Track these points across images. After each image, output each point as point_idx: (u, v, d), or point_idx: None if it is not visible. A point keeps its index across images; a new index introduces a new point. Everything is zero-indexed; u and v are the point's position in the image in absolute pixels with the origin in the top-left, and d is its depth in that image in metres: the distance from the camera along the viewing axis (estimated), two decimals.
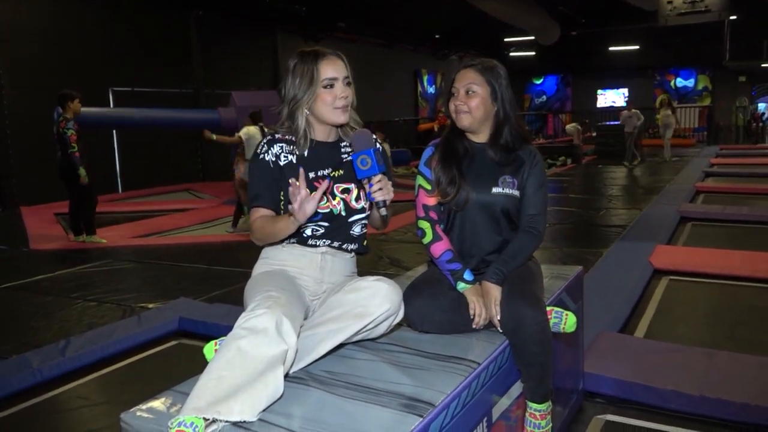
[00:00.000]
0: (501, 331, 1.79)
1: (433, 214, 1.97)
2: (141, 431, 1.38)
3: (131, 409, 1.44)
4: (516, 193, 1.94)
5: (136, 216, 8.51)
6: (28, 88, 9.56)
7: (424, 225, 1.97)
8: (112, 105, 10.91)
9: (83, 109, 6.49)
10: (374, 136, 1.76)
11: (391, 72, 19.03)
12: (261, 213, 1.74)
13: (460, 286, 1.90)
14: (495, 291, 1.82)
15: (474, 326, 1.83)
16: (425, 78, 21.53)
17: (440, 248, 1.93)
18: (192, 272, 5.25)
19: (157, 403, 1.46)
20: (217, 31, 12.80)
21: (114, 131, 11.07)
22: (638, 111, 13.24)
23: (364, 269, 2.07)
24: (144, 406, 1.45)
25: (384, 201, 1.67)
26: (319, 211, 1.73)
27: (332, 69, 1.73)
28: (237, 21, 13.40)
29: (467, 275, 1.91)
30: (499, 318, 1.78)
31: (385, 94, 17.93)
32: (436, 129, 16.11)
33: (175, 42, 12.06)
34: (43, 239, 6.79)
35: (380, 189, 1.66)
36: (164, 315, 3.80)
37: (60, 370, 3.11)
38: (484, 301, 1.83)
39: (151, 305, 4.18)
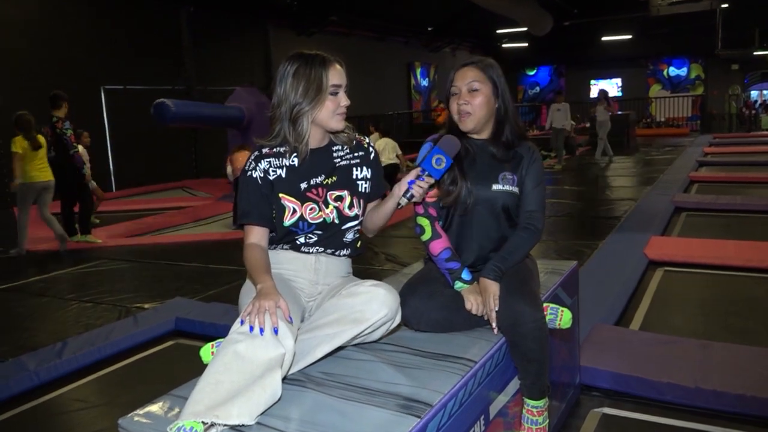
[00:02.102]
0: (497, 331, 1.78)
1: (432, 211, 1.96)
2: None
3: (129, 414, 1.43)
4: (516, 189, 1.94)
5: (131, 215, 8.48)
6: (16, 86, 9.48)
7: (423, 222, 1.96)
8: (104, 104, 10.85)
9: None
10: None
11: (384, 65, 18.99)
12: (255, 232, 1.73)
13: (458, 285, 1.89)
14: (493, 287, 1.81)
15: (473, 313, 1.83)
16: (418, 71, 21.49)
17: (439, 246, 1.93)
18: (188, 271, 5.24)
19: (155, 408, 1.46)
20: (209, 26, 12.73)
21: (107, 129, 11.02)
22: (567, 105, 11.75)
23: (360, 266, 2.07)
24: (142, 411, 1.44)
25: (412, 195, 1.73)
26: (311, 221, 1.73)
27: (338, 76, 1.72)
28: (228, 16, 13.34)
29: (465, 274, 1.90)
30: (496, 314, 1.78)
31: (378, 88, 17.90)
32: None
33: (167, 38, 11.99)
34: (37, 240, 6.76)
35: (421, 188, 1.72)
36: (161, 315, 3.79)
37: (57, 373, 3.11)
38: (483, 298, 1.82)
39: (147, 305, 4.17)
